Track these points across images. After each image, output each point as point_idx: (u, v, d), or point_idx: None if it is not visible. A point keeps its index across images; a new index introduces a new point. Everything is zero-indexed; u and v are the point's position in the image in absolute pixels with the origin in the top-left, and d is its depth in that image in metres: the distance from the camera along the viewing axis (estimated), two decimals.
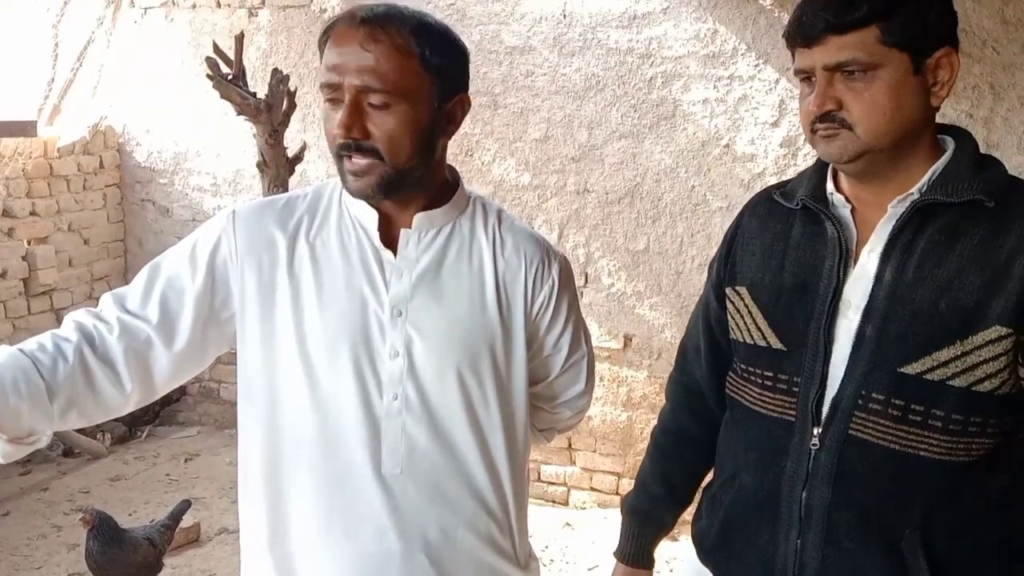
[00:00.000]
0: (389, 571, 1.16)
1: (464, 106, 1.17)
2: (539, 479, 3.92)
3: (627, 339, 3.69)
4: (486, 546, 1.21)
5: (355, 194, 1.14)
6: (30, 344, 1.10)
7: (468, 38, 3.62)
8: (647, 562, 1.42)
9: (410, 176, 1.13)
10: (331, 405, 1.15)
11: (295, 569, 1.18)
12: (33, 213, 4.07)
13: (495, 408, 1.20)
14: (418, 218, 1.19)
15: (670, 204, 3.53)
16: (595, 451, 3.80)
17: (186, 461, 4.08)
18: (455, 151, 3.81)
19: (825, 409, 1.09)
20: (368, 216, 1.18)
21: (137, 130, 4.48)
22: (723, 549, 1.22)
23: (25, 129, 4.09)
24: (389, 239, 1.18)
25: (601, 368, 3.70)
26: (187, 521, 3.14)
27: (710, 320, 1.32)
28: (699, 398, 1.35)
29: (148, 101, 4.40)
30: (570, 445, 3.87)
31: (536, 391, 1.34)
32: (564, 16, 3.56)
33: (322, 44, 1.12)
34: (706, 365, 1.33)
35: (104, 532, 2.68)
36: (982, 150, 1.11)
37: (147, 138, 4.47)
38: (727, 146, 3.41)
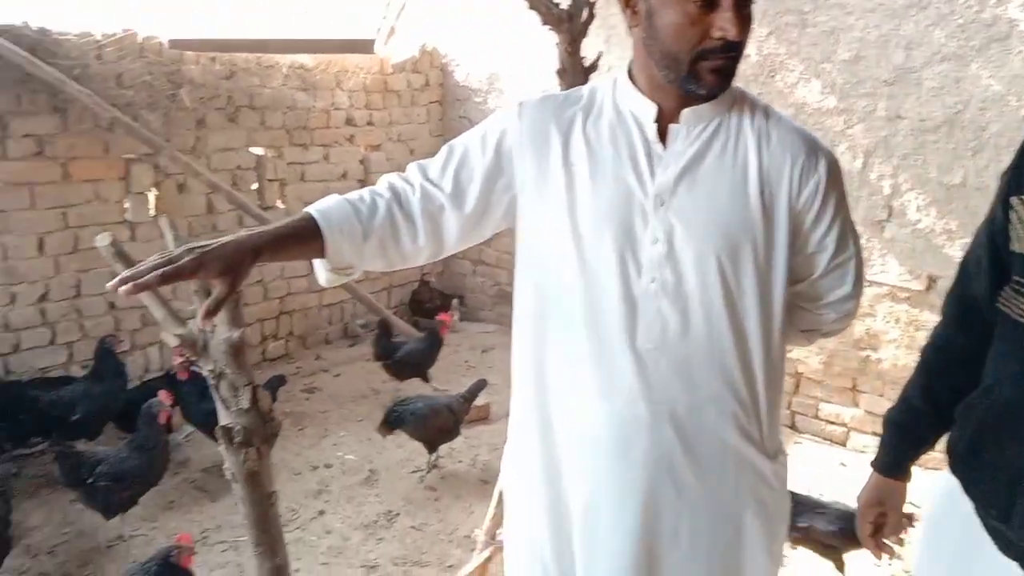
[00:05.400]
0: (639, 435, 1.27)
1: None
2: (816, 416, 3.85)
3: (931, 280, 3.45)
4: (731, 428, 1.28)
5: (713, 90, 1.21)
6: (352, 195, 1.33)
7: None
8: (902, 474, 1.43)
9: None
10: (595, 283, 1.27)
11: (552, 424, 1.34)
12: (370, 123, 4.66)
13: (753, 298, 1.25)
14: (686, 113, 1.25)
15: (995, 135, 3.19)
16: (882, 395, 3.62)
17: (483, 352, 4.53)
18: (756, 72, 3.73)
19: None
20: (646, 109, 1.27)
21: (458, 52, 4.90)
22: (971, 460, 1.20)
23: (364, 47, 4.63)
24: (659, 132, 1.26)
25: (898, 309, 3.51)
26: (480, 400, 3.54)
27: (994, 233, 1.24)
28: (974, 313, 1.30)
29: (468, 25, 4.78)
30: (855, 386, 3.74)
31: (799, 290, 1.35)
32: None
33: None
34: (986, 279, 1.26)
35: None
36: None
37: (466, 59, 4.87)
38: None
